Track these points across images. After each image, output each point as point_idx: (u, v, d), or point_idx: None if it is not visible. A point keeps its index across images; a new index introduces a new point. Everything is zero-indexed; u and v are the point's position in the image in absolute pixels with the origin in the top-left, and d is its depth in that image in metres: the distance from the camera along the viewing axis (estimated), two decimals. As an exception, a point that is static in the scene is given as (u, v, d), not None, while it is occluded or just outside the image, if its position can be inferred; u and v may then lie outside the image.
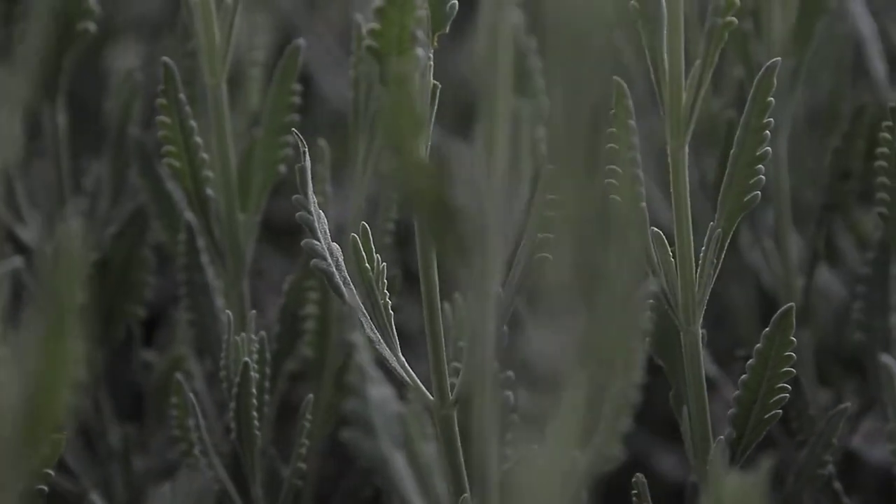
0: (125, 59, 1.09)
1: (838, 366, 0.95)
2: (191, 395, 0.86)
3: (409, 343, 0.91)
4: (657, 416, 0.97)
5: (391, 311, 0.75)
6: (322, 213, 0.74)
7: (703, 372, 0.75)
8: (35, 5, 0.74)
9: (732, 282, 0.95)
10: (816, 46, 0.88)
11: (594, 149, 0.57)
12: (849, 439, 0.90)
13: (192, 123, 0.86)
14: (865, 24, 0.90)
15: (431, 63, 0.68)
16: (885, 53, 0.91)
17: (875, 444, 0.92)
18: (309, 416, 0.85)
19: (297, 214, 0.73)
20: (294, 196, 0.74)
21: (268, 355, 0.85)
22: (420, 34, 0.65)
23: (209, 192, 0.88)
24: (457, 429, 0.74)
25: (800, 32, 0.88)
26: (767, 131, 0.72)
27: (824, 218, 0.91)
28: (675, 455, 1.03)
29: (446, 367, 0.74)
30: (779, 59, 0.72)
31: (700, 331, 0.75)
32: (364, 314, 0.73)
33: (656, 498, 0.76)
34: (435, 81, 0.69)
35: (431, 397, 0.74)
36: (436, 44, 0.68)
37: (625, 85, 0.69)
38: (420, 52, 0.65)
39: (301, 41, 0.89)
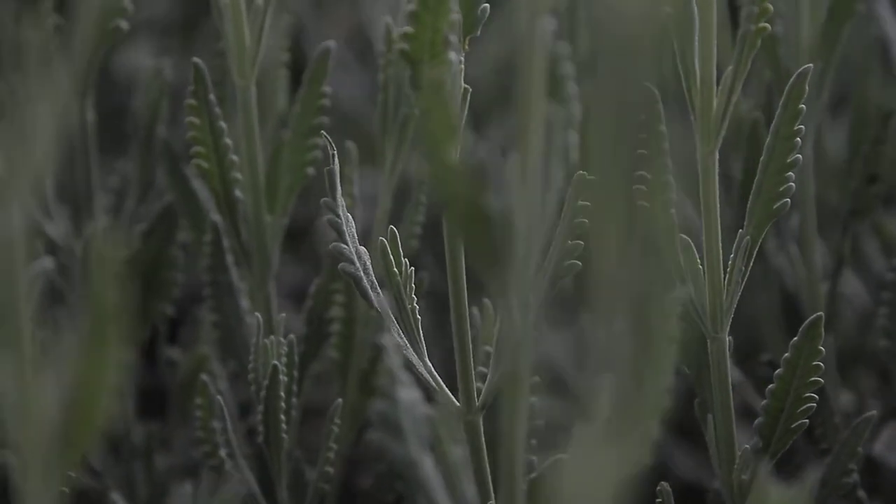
0: (139, 58, 1.09)
1: (862, 371, 0.95)
2: (218, 397, 0.86)
3: (439, 344, 0.91)
4: (676, 417, 0.97)
5: (418, 317, 0.75)
6: (350, 217, 0.74)
7: (730, 380, 0.75)
8: (83, 6, 0.74)
9: (757, 286, 0.95)
10: (843, 50, 0.88)
11: (629, 156, 0.58)
12: (870, 445, 0.90)
13: (222, 125, 0.86)
14: (892, 27, 0.90)
15: (462, 67, 0.68)
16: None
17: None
18: (337, 421, 0.85)
19: (326, 218, 0.74)
20: (322, 199, 0.74)
21: (296, 358, 0.85)
22: (453, 38, 0.65)
23: (238, 193, 0.88)
24: (482, 435, 0.74)
25: (827, 35, 0.87)
26: (798, 139, 0.72)
27: (850, 223, 0.91)
28: (693, 457, 1.03)
29: (473, 373, 0.74)
30: (810, 65, 0.72)
31: (727, 338, 0.75)
32: (392, 319, 0.73)
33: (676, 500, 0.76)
34: (466, 85, 0.69)
35: (458, 403, 0.74)
36: (467, 47, 0.68)
37: (656, 90, 0.69)
38: (452, 55, 0.65)
39: (331, 43, 0.89)
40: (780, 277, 0.95)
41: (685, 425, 0.98)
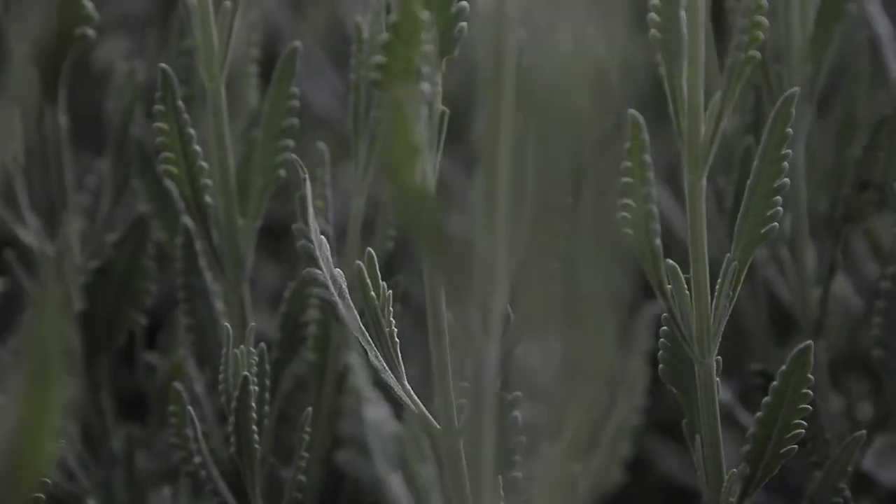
0: (114, 56, 1.07)
1: (853, 378, 0.93)
2: (189, 407, 0.85)
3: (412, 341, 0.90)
4: (659, 413, 0.95)
5: (396, 340, 0.73)
6: (324, 240, 0.72)
7: (717, 404, 0.73)
8: (28, 14, 0.72)
9: (747, 294, 0.93)
10: (834, 53, 0.86)
11: (573, 208, 0.56)
12: (861, 457, 0.89)
13: (191, 131, 0.85)
14: (882, 28, 0.88)
15: (440, 89, 0.65)
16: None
17: (887, 463, 0.90)
18: (308, 429, 0.84)
19: (298, 244, 0.72)
20: (294, 225, 0.72)
21: (267, 367, 0.84)
22: (426, 68, 0.62)
23: (208, 199, 0.87)
24: (463, 457, 0.72)
25: (818, 38, 0.85)
26: (786, 162, 0.70)
27: (842, 229, 0.89)
28: (678, 456, 1.01)
29: (453, 395, 0.72)
30: (797, 88, 0.71)
31: (714, 363, 0.73)
32: (369, 342, 0.72)
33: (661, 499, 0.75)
34: (443, 108, 0.66)
35: (437, 426, 0.72)
36: (444, 69, 0.66)
37: (641, 118, 0.67)
38: (426, 85, 0.63)
39: (297, 44, 0.87)
40: (771, 284, 0.93)
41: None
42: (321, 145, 0.87)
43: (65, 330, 0.51)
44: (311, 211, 0.71)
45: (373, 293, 0.72)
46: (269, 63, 0.90)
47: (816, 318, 0.88)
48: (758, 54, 0.68)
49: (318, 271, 0.71)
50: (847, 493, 0.77)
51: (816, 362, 0.78)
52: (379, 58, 0.63)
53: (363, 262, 0.72)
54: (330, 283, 0.71)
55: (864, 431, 0.77)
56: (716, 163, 0.71)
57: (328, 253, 0.72)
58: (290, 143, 0.88)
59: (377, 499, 0.90)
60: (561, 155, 0.53)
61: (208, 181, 0.86)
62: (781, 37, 0.85)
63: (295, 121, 0.87)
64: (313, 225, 0.71)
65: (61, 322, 0.52)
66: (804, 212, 0.88)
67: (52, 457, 0.53)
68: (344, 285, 0.72)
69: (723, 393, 0.77)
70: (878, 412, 0.88)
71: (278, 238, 1.13)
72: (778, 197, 0.71)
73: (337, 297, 0.71)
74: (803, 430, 0.73)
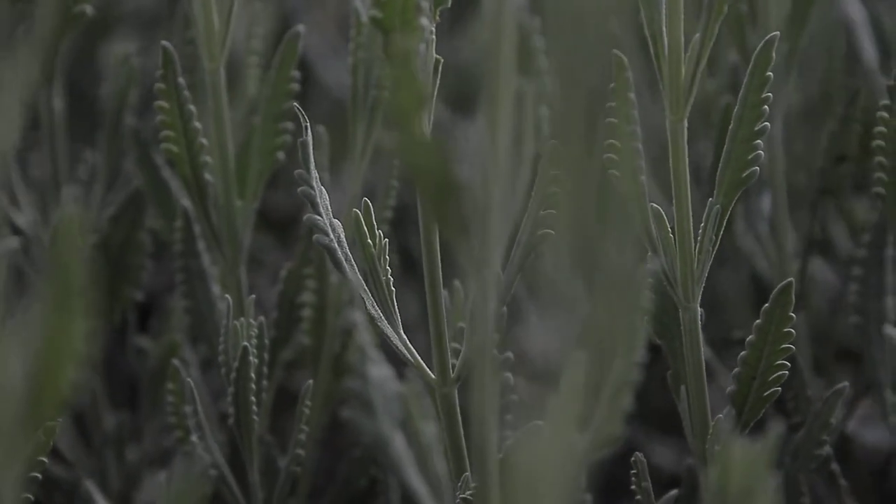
0: (122, 49, 1.09)
1: (833, 352, 0.95)
2: (189, 380, 0.86)
3: (406, 328, 0.91)
4: (651, 407, 0.97)
5: (392, 289, 0.75)
6: (324, 190, 0.74)
7: (702, 350, 0.75)
8: None
9: (727, 267, 0.95)
10: (810, 32, 0.88)
11: (593, 127, 0.58)
12: (844, 424, 0.91)
13: (191, 108, 0.86)
14: (856, 10, 0.91)
15: (434, 37, 0.68)
16: (877, 39, 0.92)
17: (870, 426, 0.92)
18: (308, 403, 0.84)
19: (300, 189, 0.73)
20: (296, 171, 0.73)
21: (266, 341, 0.85)
22: (424, 4, 0.64)
23: (207, 177, 0.88)
24: (458, 407, 0.74)
25: (794, 17, 0.88)
26: (766, 106, 0.72)
27: (819, 203, 0.91)
28: (669, 447, 1.03)
29: (448, 345, 0.74)
30: (777, 33, 0.73)
31: (699, 309, 0.75)
32: (366, 291, 0.73)
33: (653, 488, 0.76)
34: (437, 56, 0.69)
35: (433, 375, 0.74)
36: (437, 18, 0.68)
37: (624, 58, 0.69)
38: (424, 22, 0.65)
39: (300, 27, 0.88)
40: (750, 258, 0.95)
41: (660, 414, 0.98)
42: (321, 129, 0.89)
43: (87, 264, 0.53)
44: (311, 159, 0.72)
45: (369, 241, 0.73)
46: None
47: (795, 293, 0.90)
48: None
49: (317, 217, 0.72)
50: (829, 447, 0.79)
51: (796, 336, 0.80)
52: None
53: (361, 217, 0.73)
54: (329, 231, 0.72)
55: (845, 383, 0.79)
56: (693, 125, 0.73)
57: (328, 202, 0.73)
58: (290, 125, 0.89)
59: (372, 477, 0.92)
60: (588, 74, 0.54)
61: (208, 158, 0.87)
62: (758, 15, 0.87)
63: (295, 104, 0.88)
64: (314, 173, 0.72)
65: (79, 254, 0.53)
66: (783, 187, 0.90)
67: (75, 382, 0.55)
68: (342, 235, 0.74)
69: (706, 356, 0.78)
70: (858, 382, 0.90)
71: (282, 226, 1.14)
72: (759, 141, 0.72)
73: (335, 244, 0.72)
74: (787, 372, 0.75)
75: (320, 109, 1.15)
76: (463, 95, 1.07)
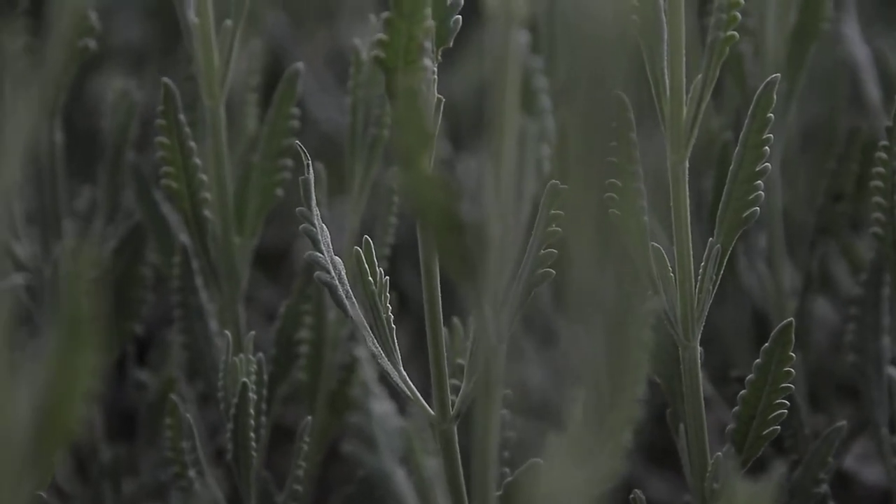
0: (113, 83, 1.10)
1: (830, 389, 0.95)
2: (187, 415, 0.86)
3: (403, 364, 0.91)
4: (648, 442, 0.97)
5: (393, 326, 0.75)
6: (325, 227, 0.74)
7: (702, 389, 0.76)
8: (56, 27, 0.74)
9: (726, 305, 0.95)
10: (810, 70, 0.89)
11: (596, 167, 0.58)
12: (841, 460, 0.91)
13: (192, 144, 0.87)
14: (859, 49, 0.91)
15: (435, 77, 0.68)
16: (880, 78, 0.92)
17: (868, 464, 0.92)
18: (307, 439, 0.85)
19: (302, 227, 0.74)
20: (298, 209, 0.74)
21: (265, 377, 0.85)
22: (427, 45, 0.65)
23: (206, 213, 0.88)
24: (457, 444, 0.74)
25: (794, 56, 0.88)
26: (767, 147, 0.73)
27: (817, 241, 0.92)
28: (666, 482, 1.03)
29: (448, 382, 0.74)
30: (778, 75, 0.73)
31: (699, 347, 0.75)
32: (366, 328, 0.73)
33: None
34: (438, 95, 0.69)
35: (432, 412, 0.74)
36: (439, 58, 0.69)
37: (626, 97, 0.70)
38: (427, 62, 0.65)
39: (300, 65, 0.89)
40: (749, 296, 0.95)
41: (658, 451, 0.98)
42: (319, 166, 0.89)
43: (93, 299, 0.54)
44: (313, 196, 0.73)
45: (370, 278, 0.73)
46: (274, 82, 0.91)
47: (795, 329, 0.90)
48: (736, 35, 0.70)
49: (319, 255, 0.73)
50: (826, 485, 0.79)
51: (795, 371, 0.80)
52: (381, 35, 0.65)
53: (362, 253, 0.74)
54: (330, 268, 0.73)
55: (843, 422, 0.79)
56: (697, 164, 0.73)
57: (328, 239, 0.74)
58: (289, 162, 0.90)
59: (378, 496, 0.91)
60: (601, 117, 0.55)
61: (207, 195, 0.87)
62: (758, 54, 0.88)
63: (294, 141, 0.88)
64: (315, 210, 0.73)
65: (89, 292, 0.54)
66: (780, 225, 0.90)
67: (82, 418, 0.55)
68: (343, 272, 0.74)
69: (704, 387, 0.78)
70: (856, 420, 0.90)
71: (279, 262, 1.14)
72: (759, 181, 0.73)
73: (336, 282, 0.73)
74: (786, 411, 0.75)
75: (310, 144, 1.15)
76: (455, 131, 1.08)
